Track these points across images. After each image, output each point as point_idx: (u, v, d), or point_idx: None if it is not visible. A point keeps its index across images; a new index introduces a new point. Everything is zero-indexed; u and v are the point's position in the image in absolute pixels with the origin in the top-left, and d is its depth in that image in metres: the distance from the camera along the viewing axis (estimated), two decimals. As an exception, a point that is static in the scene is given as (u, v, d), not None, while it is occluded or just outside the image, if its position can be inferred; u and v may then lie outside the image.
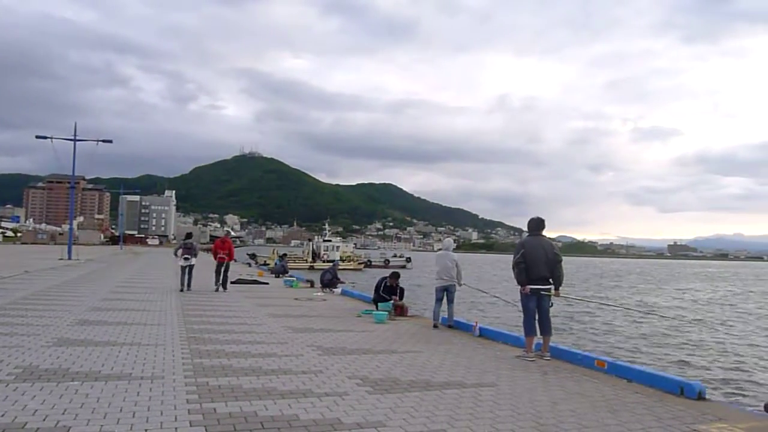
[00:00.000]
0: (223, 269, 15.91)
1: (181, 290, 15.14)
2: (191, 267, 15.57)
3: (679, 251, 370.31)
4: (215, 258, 16.19)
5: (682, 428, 4.50)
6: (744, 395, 10.54)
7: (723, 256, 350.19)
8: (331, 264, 21.29)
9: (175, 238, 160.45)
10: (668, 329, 19.29)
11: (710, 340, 17.99)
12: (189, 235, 17.33)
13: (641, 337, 17.59)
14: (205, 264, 19.19)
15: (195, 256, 15.90)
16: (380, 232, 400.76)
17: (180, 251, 15.88)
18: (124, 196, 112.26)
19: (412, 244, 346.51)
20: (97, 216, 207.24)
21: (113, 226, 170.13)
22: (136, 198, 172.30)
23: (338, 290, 17.02)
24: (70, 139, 34.59)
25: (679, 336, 18.20)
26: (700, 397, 5.45)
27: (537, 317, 7.38)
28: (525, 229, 7.94)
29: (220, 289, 15.76)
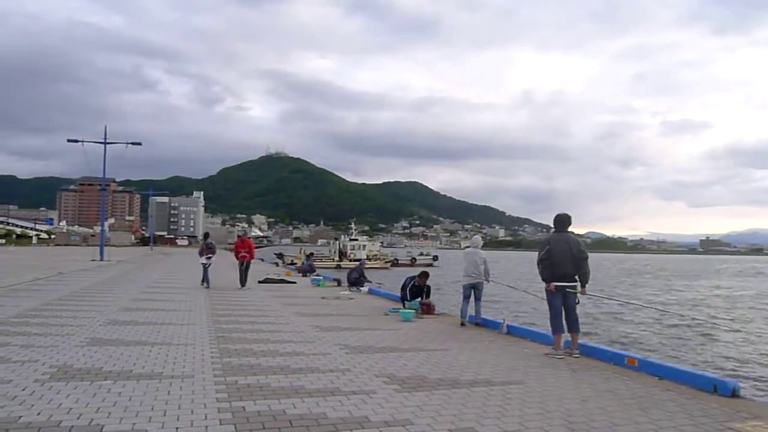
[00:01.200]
0: (244, 267, 16.67)
1: (207, 287, 16.16)
2: (210, 265, 16.80)
3: (711, 246, 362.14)
4: (237, 257, 17.11)
5: (715, 426, 4.40)
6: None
7: (758, 250, 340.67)
8: (358, 263, 21.35)
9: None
10: (699, 327, 18.87)
11: (743, 337, 17.55)
12: (207, 236, 18.46)
13: (671, 335, 17.25)
14: (225, 263, 19.40)
15: (214, 254, 17.22)
16: (406, 231, 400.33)
17: (204, 251, 16.98)
18: (153, 197, 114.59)
19: (438, 242, 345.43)
20: (127, 217, 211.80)
21: (143, 228, 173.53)
22: (165, 199, 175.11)
23: (365, 289, 17.06)
24: (101, 142, 35.36)
25: (710, 333, 17.79)
26: (735, 394, 5.32)
27: (564, 314, 7.30)
28: (552, 225, 7.84)
29: (244, 285, 16.45)
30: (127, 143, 37.17)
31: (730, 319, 21.85)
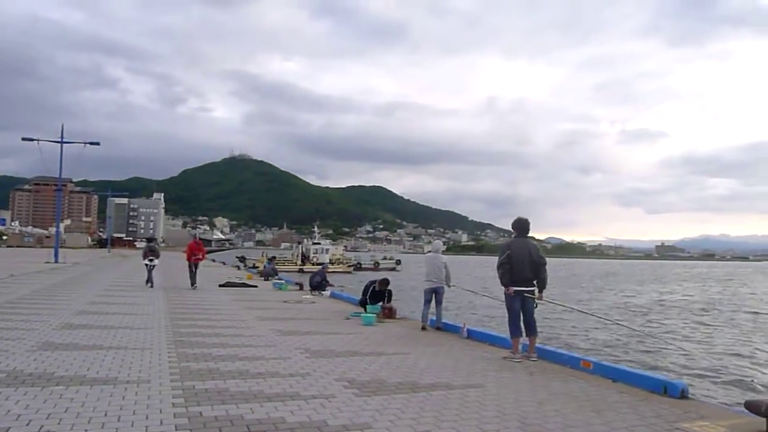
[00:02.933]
0: (195, 268, 18.04)
1: (151, 287, 17.12)
2: (154, 266, 17.92)
3: (666, 252, 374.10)
4: (189, 259, 18.27)
5: (665, 426, 4.56)
6: (725, 393, 10.65)
7: (710, 256, 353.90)
8: (321, 267, 21.27)
9: (164, 241, 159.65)
10: (651, 330, 19.46)
11: (693, 339, 18.17)
12: (151, 239, 20.91)
13: (626, 338, 17.72)
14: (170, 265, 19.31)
15: (158, 257, 18.38)
16: (370, 235, 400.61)
17: (147, 253, 18.05)
18: (112, 198, 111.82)
19: (402, 246, 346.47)
20: (84, 219, 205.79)
21: (101, 229, 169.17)
22: (125, 201, 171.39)
23: (327, 293, 17.01)
24: (57, 141, 34.38)
25: (662, 336, 18.34)
26: (683, 395, 5.51)
27: (522, 319, 7.43)
28: (512, 230, 7.96)
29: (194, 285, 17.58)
30: (85, 143, 36.23)
31: (682, 324, 22.58)
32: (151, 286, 17.17)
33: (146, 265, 17.68)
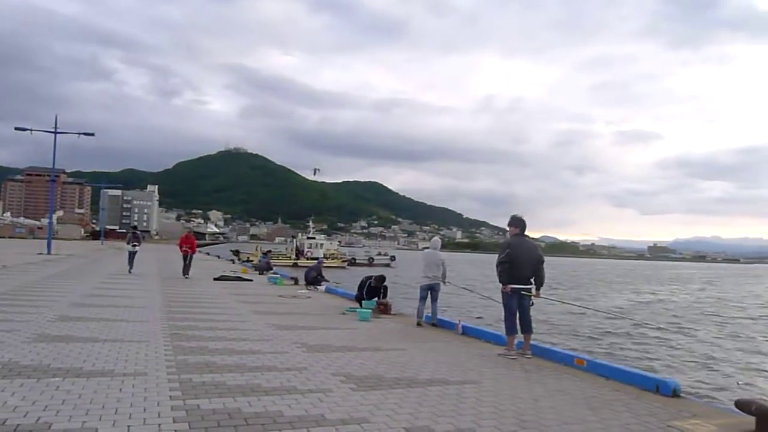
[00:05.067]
0: (188, 260, 19.18)
1: (130, 271, 19.31)
2: (136, 252, 20.11)
3: (659, 253, 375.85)
4: (181, 250, 19.57)
5: (658, 425, 4.61)
6: (717, 392, 10.76)
7: (701, 257, 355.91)
8: (316, 261, 21.29)
9: (157, 234, 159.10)
10: (643, 329, 19.58)
11: (685, 339, 18.30)
12: (135, 228, 23.04)
13: (620, 337, 17.84)
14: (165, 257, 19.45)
15: (139, 243, 20.63)
16: (365, 230, 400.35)
17: (131, 240, 20.30)
18: (105, 190, 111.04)
19: (396, 242, 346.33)
20: (77, 210, 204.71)
21: (94, 221, 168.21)
22: (118, 192, 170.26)
23: (322, 288, 17.04)
24: (51, 132, 34.14)
25: (655, 336, 18.47)
26: (675, 394, 5.58)
27: (519, 316, 7.48)
28: (508, 228, 7.98)
29: (186, 275, 18.81)
30: (80, 134, 35.97)
31: (675, 323, 22.72)
32: (130, 271, 19.32)
33: (129, 251, 19.95)
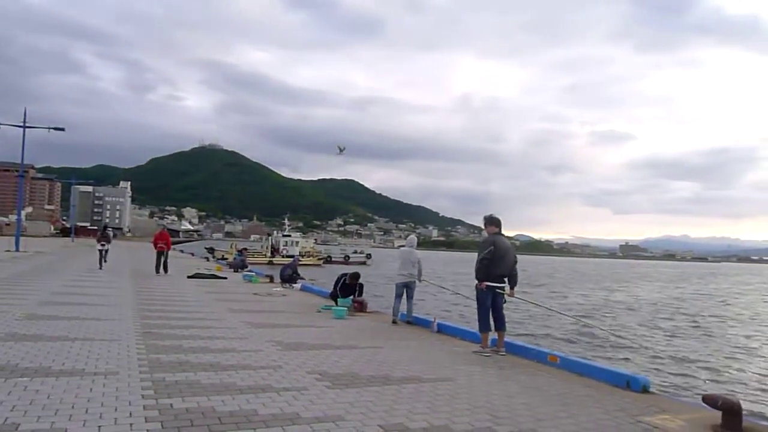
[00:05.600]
0: (163, 257, 19.60)
1: (100, 268, 19.89)
2: (107, 251, 20.95)
3: (630, 251, 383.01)
4: (155, 248, 19.87)
5: (628, 420, 4.70)
6: (685, 388, 11.02)
7: (671, 256, 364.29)
8: (292, 259, 21.18)
9: (129, 231, 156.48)
10: (614, 326, 19.93)
11: (656, 336, 18.68)
12: (105, 227, 23.61)
13: (592, 334, 18.12)
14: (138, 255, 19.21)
15: (109, 242, 21.54)
16: (341, 228, 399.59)
17: (100, 239, 21.09)
18: (76, 186, 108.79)
19: (372, 240, 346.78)
20: (47, 207, 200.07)
21: (64, 218, 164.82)
22: (90, 189, 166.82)
23: (298, 286, 16.96)
24: (20, 126, 33.29)
25: (625, 332, 18.82)
26: (645, 390, 5.70)
27: (492, 314, 7.55)
28: (483, 226, 8.03)
29: (162, 272, 19.17)
30: (50, 128, 35.16)
31: (646, 321, 23.17)
32: (100, 268, 19.89)
33: (99, 250, 20.66)
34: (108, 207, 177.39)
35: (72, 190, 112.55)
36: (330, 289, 13.03)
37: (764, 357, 15.62)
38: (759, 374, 13.01)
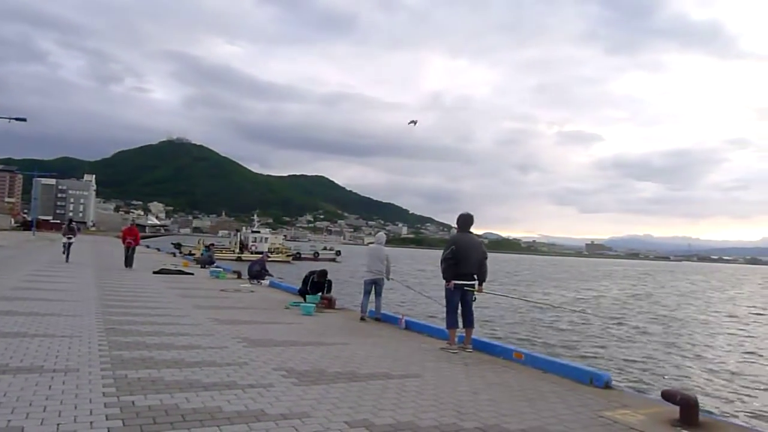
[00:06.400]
0: (130, 252, 19.82)
1: (66, 261, 20.36)
2: (71, 244, 21.61)
3: (595, 250, 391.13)
4: (124, 243, 20.10)
5: (590, 415, 4.80)
6: (646, 384, 11.31)
7: (634, 255, 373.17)
8: (260, 255, 21.00)
9: (94, 225, 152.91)
10: (580, 324, 20.32)
11: (617, 333, 19.11)
12: (71, 221, 24.02)
13: (557, 331, 18.45)
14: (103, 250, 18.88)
15: (75, 235, 22.48)
16: (311, 225, 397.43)
17: (66, 232, 21.96)
18: (38, 179, 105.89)
19: (342, 237, 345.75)
20: (7, 199, 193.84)
21: (25, 211, 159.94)
22: (53, 181, 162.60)
23: (266, 282, 16.84)
24: (-22, 116, 32.24)
25: (589, 330, 19.21)
26: (607, 386, 5.82)
27: (461, 311, 7.61)
28: (454, 224, 8.12)
29: (128, 266, 19.38)
30: (10, 119, 34.14)
31: (609, 318, 23.67)
32: (66, 261, 20.35)
33: (64, 243, 21.28)
34: (72, 200, 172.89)
35: (34, 183, 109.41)
36: (298, 285, 12.97)
37: (721, 354, 16.12)
38: (715, 371, 13.43)
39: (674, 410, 4.73)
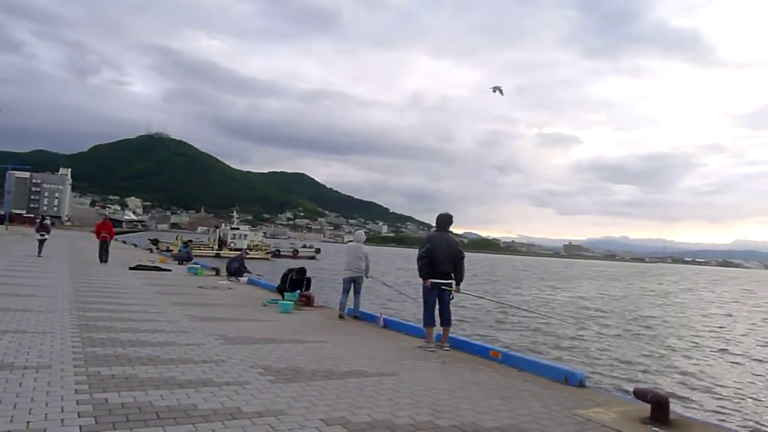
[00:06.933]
0: (105, 246, 19.86)
1: (39, 255, 20.23)
2: (45, 240, 21.30)
3: (573, 251, 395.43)
4: (98, 237, 20.15)
5: (564, 413, 4.86)
6: (619, 383, 11.48)
7: (611, 256, 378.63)
8: (239, 252, 20.86)
9: (69, 220, 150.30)
10: (555, 324, 20.52)
11: (593, 333, 19.36)
12: (44, 218, 24.06)
13: (533, 330, 18.62)
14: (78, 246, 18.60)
15: (48, 232, 22.03)
16: (291, 222, 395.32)
17: (39, 228, 21.55)
18: (12, 171, 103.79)
19: (322, 235, 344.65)
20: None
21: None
22: (26, 174, 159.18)
23: (244, 279, 16.73)
24: (-50, 107, 31.47)
25: (564, 330, 19.42)
26: (581, 384, 5.91)
27: (438, 309, 7.65)
28: (434, 224, 8.16)
29: (103, 261, 19.45)
30: (-17, 109, 33.34)
31: (584, 318, 23.98)
32: (39, 255, 20.26)
33: (38, 240, 21.02)
34: (46, 194, 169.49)
35: (7, 176, 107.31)
36: (277, 283, 12.91)
37: (692, 354, 16.43)
38: (686, 370, 13.68)
39: (646, 408, 4.82)
